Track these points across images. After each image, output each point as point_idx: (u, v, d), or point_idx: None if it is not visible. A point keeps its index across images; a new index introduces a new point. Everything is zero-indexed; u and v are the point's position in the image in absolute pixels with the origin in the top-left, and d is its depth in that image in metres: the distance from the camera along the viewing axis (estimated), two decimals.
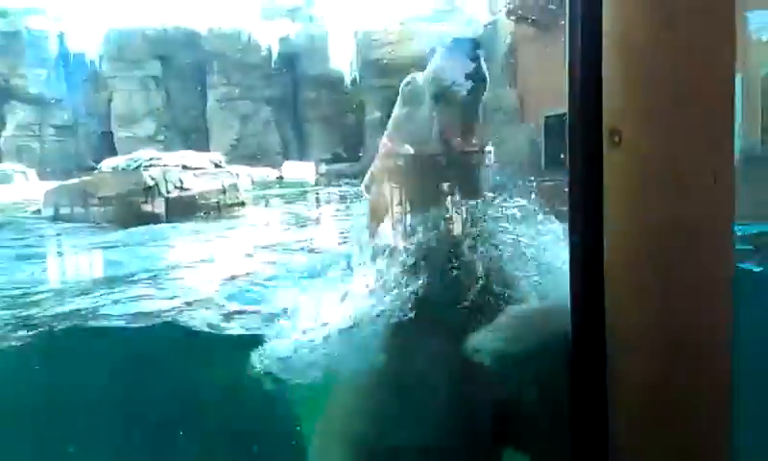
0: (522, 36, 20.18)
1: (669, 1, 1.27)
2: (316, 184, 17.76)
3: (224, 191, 8.05)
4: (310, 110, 25.08)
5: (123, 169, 7.72)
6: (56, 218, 8.00)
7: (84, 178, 8.82)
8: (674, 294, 1.32)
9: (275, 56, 23.87)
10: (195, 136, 22.67)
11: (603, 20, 1.38)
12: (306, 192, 13.62)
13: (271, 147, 24.38)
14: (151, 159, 7.64)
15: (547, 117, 18.87)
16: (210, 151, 15.23)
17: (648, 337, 1.35)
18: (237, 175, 8.66)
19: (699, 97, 1.26)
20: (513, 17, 20.76)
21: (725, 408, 1.39)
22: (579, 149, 1.46)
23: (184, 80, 23.54)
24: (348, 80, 24.12)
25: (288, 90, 24.92)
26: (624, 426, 1.44)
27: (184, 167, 7.79)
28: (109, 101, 22.78)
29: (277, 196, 12.19)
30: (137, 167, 7.55)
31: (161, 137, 22.72)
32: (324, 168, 20.86)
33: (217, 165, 8.26)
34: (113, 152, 22.99)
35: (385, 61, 22.90)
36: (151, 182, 7.37)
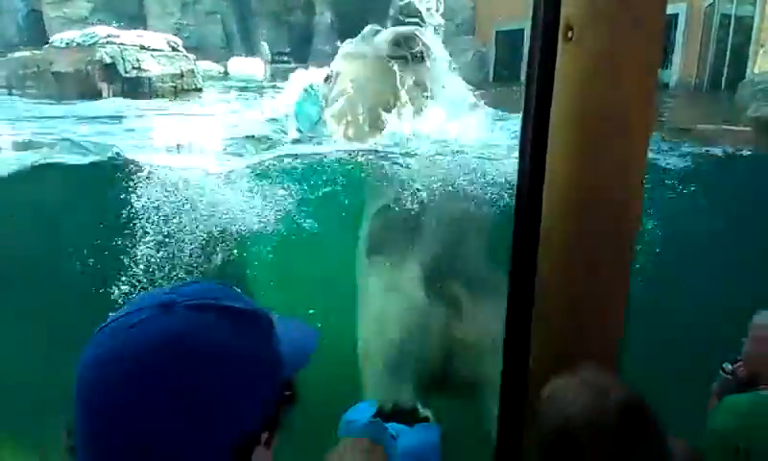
0: None
1: None
2: (264, 81, 17.34)
3: (181, 75, 7.90)
4: (256, 4, 24.06)
5: (78, 44, 7.41)
6: (10, 93, 7.69)
7: (35, 51, 8.41)
8: (599, 160, 1.70)
9: None
10: (131, 21, 21.40)
11: None
12: (259, 87, 13.40)
13: (213, 40, 23.41)
14: (108, 36, 7.37)
15: (498, 32, 19.02)
16: None
17: (576, 194, 1.73)
18: (195, 60, 8.48)
19: (634, 9, 1.60)
20: None
21: (627, 263, 1.80)
22: (538, 41, 1.78)
23: None
24: None
25: None
26: (549, 272, 1.83)
27: (142, 47, 7.57)
28: None
29: (229, 87, 11.97)
30: (93, 44, 7.27)
31: (95, 20, 21.34)
32: (270, 67, 20.30)
33: (174, 48, 8.05)
34: (41, 32, 21.46)
35: None
36: (108, 60, 7.15)
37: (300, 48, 23.51)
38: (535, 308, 1.89)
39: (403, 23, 5.20)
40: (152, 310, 0.73)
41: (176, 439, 0.69)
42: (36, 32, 21.51)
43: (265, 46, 22.66)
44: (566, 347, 1.89)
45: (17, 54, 8.23)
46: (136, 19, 21.54)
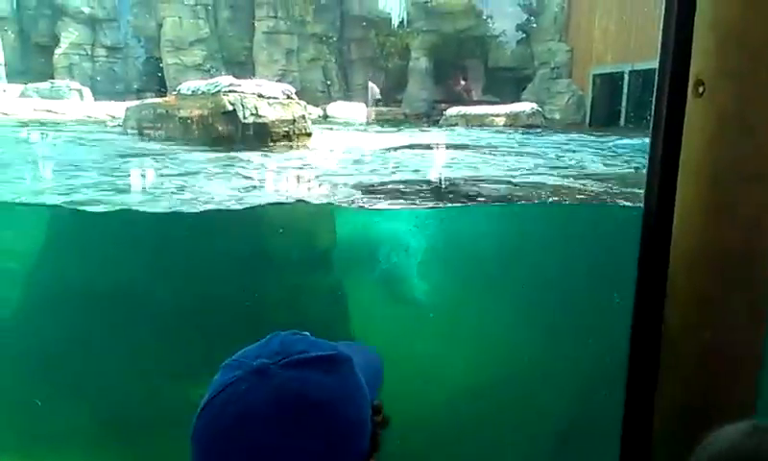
0: None
1: None
2: (366, 124, 17.99)
3: (293, 121, 8.42)
4: (355, 51, 25.07)
5: (203, 92, 8.10)
6: (141, 135, 8.50)
7: (165, 98, 9.22)
8: (730, 214, 1.71)
9: None
10: (240, 68, 22.81)
11: None
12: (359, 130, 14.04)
13: (313, 85, 24.51)
14: (230, 85, 8.01)
15: (595, 75, 18.78)
16: None
17: (705, 249, 1.74)
18: (306, 106, 9.01)
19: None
20: None
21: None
22: (666, 96, 1.83)
23: (234, 10, 23.62)
24: (395, 21, 23.96)
25: (334, 28, 24.87)
26: (677, 332, 1.83)
27: (260, 96, 8.15)
28: (160, 26, 22.97)
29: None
30: (217, 92, 7.92)
31: (207, 67, 22.93)
32: (365, 110, 21.00)
33: (288, 96, 8.61)
34: (157, 77, 23.36)
35: (434, 5, 22.69)
36: (230, 108, 7.77)
37: (395, 92, 24.22)
38: (661, 365, 1.90)
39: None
40: (250, 378, 0.80)
41: None
42: (153, 77, 23.48)
43: (372, 90, 23.59)
44: (695, 405, 1.89)
45: (149, 100, 9.05)
46: (245, 66, 23.00)
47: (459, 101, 20.71)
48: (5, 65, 20.25)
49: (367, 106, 21.63)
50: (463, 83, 22.99)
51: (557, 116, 19.55)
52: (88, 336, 4.17)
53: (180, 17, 22.69)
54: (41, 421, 4.11)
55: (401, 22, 23.87)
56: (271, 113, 8.07)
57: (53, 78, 20.45)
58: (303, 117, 8.56)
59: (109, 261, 4.58)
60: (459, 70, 23.33)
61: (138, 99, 14.91)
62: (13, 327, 4.55)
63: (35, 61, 21.70)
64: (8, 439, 4.09)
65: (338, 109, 19.75)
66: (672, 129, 1.79)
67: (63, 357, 4.18)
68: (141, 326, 4.16)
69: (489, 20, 22.43)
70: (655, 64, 1.86)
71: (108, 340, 4.14)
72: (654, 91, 1.86)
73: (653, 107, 1.88)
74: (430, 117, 20.89)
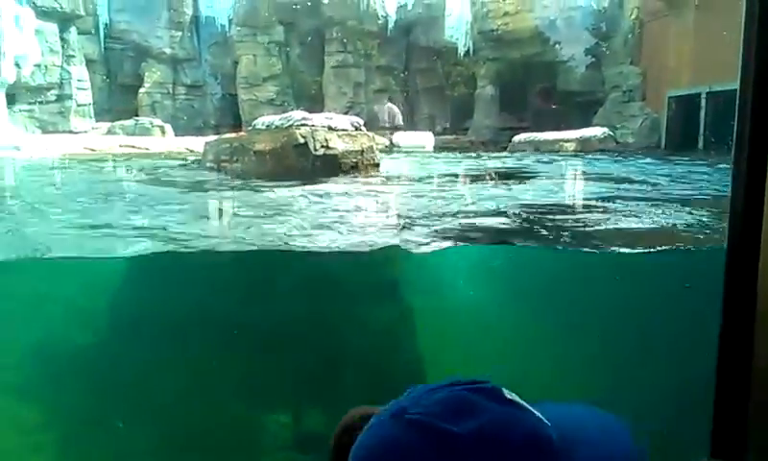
0: (650, 11, 19.41)
1: None
2: (434, 153, 18.13)
3: (362, 152, 8.62)
4: (421, 81, 25.37)
5: (277, 127, 8.42)
6: (218, 169, 8.92)
7: (241, 133, 9.64)
8: None
9: (391, 24, 24.25)
10: (311, 101, 23.48)
11: None
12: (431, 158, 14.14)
13: (381, 115, 24.91)
14: (303, 119, 8.30)
15: (670, 98, 18.22)
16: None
17: None
18: (374, 137, 9.20)
19: None
20: None
21: None
22: (749, 120, 1.75)
23: (304, 46, 24.43)
24: (461, 51, 24.11)
25: (401, 60, 25.29)
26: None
27: (330, 128, 8.40)
28: (235, 64, 24.01)
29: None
30: (290, 126, 8.23)
31: (280, 101, 23.73)
32: (433, 139, 21.14)
33: (357, 128, 8.83)
34: (233, 112, 24.40)
35: (500, 33, 22.71)
36: (301, 141, 8.04)
37: (461, 120, 24.29)
38: (751, 400, 1.82)
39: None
40: (388, 415, 0.71)
41: None
42: (229, 112, 24.54)
43: (390, 111, 23.95)
44: None
45: (225, 135, 9.47)
46: (315, 99, 23.69)
47: (533, 126, 20.34)
48: (93, 105, 21.71)
49: (434, 134, 21.77)
50: (554, 106, 22.55)
51: (630, 140, 19.03)
52: (173, 362, 4.36)
53: (254, 55, 23.68)
54: (123, 444, 4.31)
55: (467, 51, 23.99)
56: (340, 145, 8.29)
57: (137, 115, 21.78)
58: (372, 148, 8.74)
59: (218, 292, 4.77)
60: (543, 92, 23.00)
61: (215, 134, 15.68)
62: (101, 351, 4.81)
63: (120, 100, 23.12)
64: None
65: (405, 137, 19.97)
66: (757, 155, 1.73)
67: (146, 382, 4.40)
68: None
69: (557, 46, 22.23)
70: (734, 85, 1.81)
71: (189, 366, 4.31)
72: (735, 114, 1.81)
73: (734, 131, 1.82)
74: (497, 144, 20.77)
